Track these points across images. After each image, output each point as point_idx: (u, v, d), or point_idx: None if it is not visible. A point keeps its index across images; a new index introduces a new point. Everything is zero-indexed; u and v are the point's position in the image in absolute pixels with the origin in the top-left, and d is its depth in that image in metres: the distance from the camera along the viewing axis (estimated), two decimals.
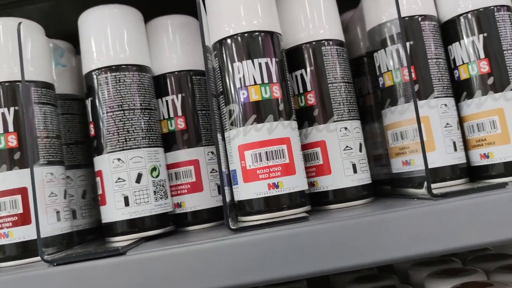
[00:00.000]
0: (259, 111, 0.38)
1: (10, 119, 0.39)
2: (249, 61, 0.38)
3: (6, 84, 0.40)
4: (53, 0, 0.53)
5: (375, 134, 0.49)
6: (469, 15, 0.42)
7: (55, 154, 0.41)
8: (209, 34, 0.40)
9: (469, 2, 0.42)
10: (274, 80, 0.38)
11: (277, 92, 0.38)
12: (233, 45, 0.38)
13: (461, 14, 0.43)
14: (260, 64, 0.38)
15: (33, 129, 0.39)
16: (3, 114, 0.39)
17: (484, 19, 0.42)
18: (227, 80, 0.38)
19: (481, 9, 0.42)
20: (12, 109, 0.39)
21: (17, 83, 0.40)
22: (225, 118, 0.39)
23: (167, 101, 0.45)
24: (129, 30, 0.43)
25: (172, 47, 0.46)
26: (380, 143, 0.47)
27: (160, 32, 0.46)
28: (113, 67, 0.42)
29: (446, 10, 0.44)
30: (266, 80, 0.38)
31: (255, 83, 0.38)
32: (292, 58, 0.43)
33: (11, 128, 0.39)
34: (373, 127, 0.49)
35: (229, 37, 0.39)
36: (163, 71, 0.46)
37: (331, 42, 0.43)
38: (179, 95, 0.45)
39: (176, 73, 0.46)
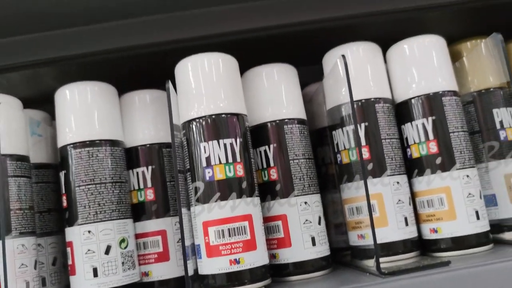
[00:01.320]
0: (223, 189, 0.40)
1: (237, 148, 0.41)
2: (215, 142, 0.41)
3: None
4: (33, 68, 0.56)
5: (336, 203, 0.52)
6: (420, 99, 0.46)
7: (27, 225, 0.43)
8: (178, 111, 0.43)
9: (420, 86, 0.46)
10: (238, 159, 0.41)
11: (240, 171, 0.41)
12: (201, 126, 0.42)
13: (413, 98, 0.46)
14: (225, 144, 0.41)
15: (6, 202, 0.41)
16: None
17: (433, 103, 0.46)
18: (194, 158, 0.41)
19: (430, 94, 0.46)
20: None
21: None
22: (191, 194, 0.41)
23: (137, 173, 0.48)
24: (103, 106, 0.46)
25: (144, 121, 0.49)
26: (340, 211, 0.50)
27: (132, 106, 0.49)
28: (87, 142, 0.44)
29: (399, 92, 0.48)
30: (230, 160, 0.41)
31: (220, 163, 0.41)
32: (257, 135, 0.46)
33: None
34: (335, 196, 0.52)
35: (197, 118, 0.42)
36: (135, 144, 0.48)
37: (293, 121, 0.46)
38: (149, 167, 0.48)
39: (147, 145, 0.48)
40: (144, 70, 0.56)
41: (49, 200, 0.50)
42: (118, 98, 0.49)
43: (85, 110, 0.46)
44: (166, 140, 0.49)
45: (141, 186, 0.47)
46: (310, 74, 0.55)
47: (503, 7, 0.53)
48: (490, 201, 0.49)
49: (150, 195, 0.47)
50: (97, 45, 0.51)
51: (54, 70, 0.54)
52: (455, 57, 0.52)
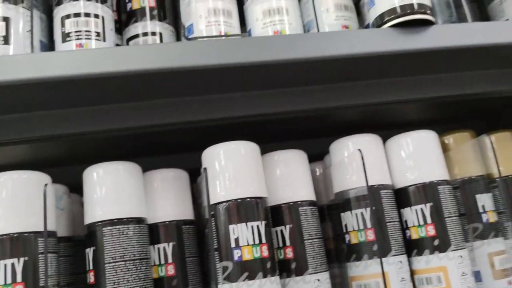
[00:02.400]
0: (251, 269, 0.44)
1: (19, 269, 0.43)
2: (243, 224, 0.45)
3: (15, 235, 0.44)
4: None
5: (336, 277, 0.56)
6: (418, 187, 0.52)
7: None
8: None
9: (418, 175, 0.52)
10: (263, 240, 0.45)
11: (265, 252, 0.45)
12: (230, 208, 0.45)
13: (411, 185, 0.52)
14: (252, 227, 0.45)
15: (38, 280, 0.43)
16: (12, 264, 0.43)
17: (430, 191, 0.52)
18: (222, 239, 0.45)
19: (427, 182, 0.52)
20: (21, 259, 0.43)
21: (26, 234, 0.44)
22: (219, 273, 0.44)
23: (158, 248, 0.50)
24: (130, 185, 0.49)
25: (165, 198, 0.52)
26: (339, 285, 0.54)
27: (154, 184, 0.52)
28: (115, 220, 0.47)
29: (398, 180, 0.54)
30: (257, 241, 0.45)
31: (248, 244, 0.44)
32: (273, 216, 0.50)
33: (19, 279, 0.43)
34: (335, 271, 0.56)
35: (226, 201, 0.46)
36: (156, 220, 0.51)
37: (306, 203, 0.51)
38: (170, 243, 0.51)
39: (167, 222, 0.51)
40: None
41: (67, 274, 0.51)
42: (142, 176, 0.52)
43: (113, 190, 0.48)
44: (185, 217, 0.52)
45: (162, 261, 0.50)
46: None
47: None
48: (476, 277, 0.55)
49: (170, 270, 0.50)
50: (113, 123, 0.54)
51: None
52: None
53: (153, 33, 0.54)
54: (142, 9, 0.56)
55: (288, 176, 0.53)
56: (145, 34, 0.55)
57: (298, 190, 0.52)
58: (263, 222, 0.46)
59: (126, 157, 0.50)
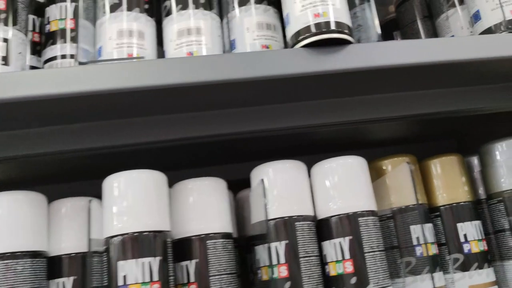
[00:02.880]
0: None
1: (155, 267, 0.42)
2: (133, 261, 0.42)
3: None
4: None
5: None
6: (338, 218, 0.48)
7: None
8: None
9: (338, 206, 0.49)
10: (155, 278, 0.42)
11: None
12: (122, 243, 0.43)
13: (332, 216, 0.49)
14: (143, 264, 0.42)
15: None
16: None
17: (350, 223, 0.48)
18: (112, 276, 0.42)
19: (348, 214, 0.48)
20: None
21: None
22: None
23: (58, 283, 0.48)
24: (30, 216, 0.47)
25: (70, 229, 0.50)
26: None
27: (59, 215, 0.50)
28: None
29: (320, 210, 0.50)
30: (147, 279, 0.42)
31: (137, 282, 0.42)
32: (182, 249, 0.47)
33: None
34: None
35: (117, 235, 0.43)
36: (59, 253, 0.49)
37: (219, 235, 0.48)
38: (72, 277, 0.48)
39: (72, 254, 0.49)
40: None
41: None
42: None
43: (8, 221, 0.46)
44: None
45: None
46: None
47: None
48: None
49: None
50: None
51: None
52: (380, 173, 0.55)
53: (72, 56, 0.52)
54: (62, 31, 0.54)
55: (201, 206, 0.49)
56: (63, 56, 0.53)
57: (210, 221, 0.49)
58: (158, 258, 0.43)
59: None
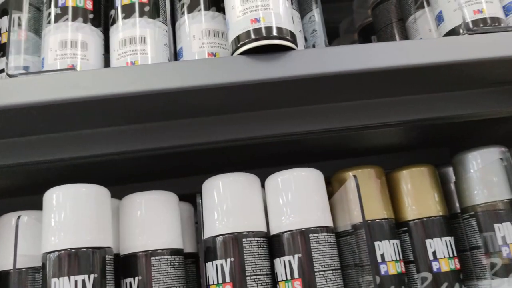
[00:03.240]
0: None
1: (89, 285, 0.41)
2: (65, 278, 0.40)
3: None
4: None
5: None
6: (289, 234, 0.46)
7: None
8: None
9: (290, 221, 0.46)
10: None
11: None
12: (57, 260, 0.41)
13: (284, 232, 0.46)
14: (76, 281, 0.41)
15: None
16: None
17: (300, 240, 0.45)
18: None
19: (300, 229, 0.46)
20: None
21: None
22: None
23: None
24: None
25: None
26: None
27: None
28: None
29: (273, 225, 0.47)
30: None
31: None
32: (128, 265, 0.46)
33: None
34: None
35: (56, 251, 0.41)
36: None
37: (167, 251, 0.46)
38: None
39: None
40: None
41: None
42: None
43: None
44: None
45: None
46: None
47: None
48: None
49: None
50: None
51: None
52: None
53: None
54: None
55: (148, 221, 0.48)
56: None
57: (157, 237, 0.47)
58: (93, 276, 0.42)
59: None
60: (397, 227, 0.53)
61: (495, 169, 0.49)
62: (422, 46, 0.44)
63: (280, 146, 0.56)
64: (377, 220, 0.51)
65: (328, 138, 0.55)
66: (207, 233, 0.47)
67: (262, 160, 0.57)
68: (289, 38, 0.43)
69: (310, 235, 0.46)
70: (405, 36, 0.59)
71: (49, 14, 0.49)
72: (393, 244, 0.51)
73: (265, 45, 0.43)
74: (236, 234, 0.46)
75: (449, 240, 0.51)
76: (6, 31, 0.52)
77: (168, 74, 0.41)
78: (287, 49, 0.44)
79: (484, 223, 0.50)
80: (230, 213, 0.47)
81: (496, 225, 0.49)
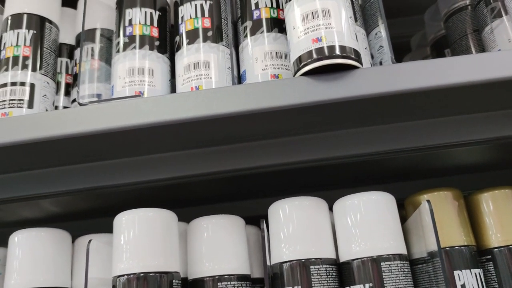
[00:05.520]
0: None
1: None
2: None
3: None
4: None
5: None
6: (360, 262, 0.44)
7: None
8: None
9: (360, 248, 0.44)
10: None
11: None
12: (127, 283, 0.42)
13: (354, 259, 0.44)
14: None
15: None
16: None
17: (372, 268, 0.43)
18: None
19: (371, 257, 0.43)
20: None
21: None
22: None
23: None
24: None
25: None
26: None
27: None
28: None
29: (342, 252, 0.46)
30: None
31: None
32: None
33: None
34: None
35: (126, 275, 0.42)
36: None
37: (234, 277, 0.46)
38: None
39: None
40: None
41: None
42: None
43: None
44: None
45: None
46: None
47: None
48: None
49: None
50: None
51: None
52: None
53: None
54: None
55: (215, 245, 0.48)
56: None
57: (224, 262, 0.47)
58: None
59: None
60: (479, 255, 0.48)
61: None
62: (499, 58, 0.41)
63: (352, 168, 0.54)
64: (456, 247, 0.47)
65: (401, 159, 0.52)
66: (274, 259, 0.46)
67: (332, 182, 0.55)
68: (352, 56, 0.42)
69: (382, 263, 0.43)
70: (481, 48, 0.55)
71: (118, 43, 0.51)
72: (476, 274, 0.46)
73: (330, 65, 0.41)
74: (303, 260, 0.44)
75: None
76: (83, 60, 0.54)
77: (229, 98, 0.41)
78: (351, 68, 0.42)
79: None
80: (297, 238, 0.45)
81: None
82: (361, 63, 0.42)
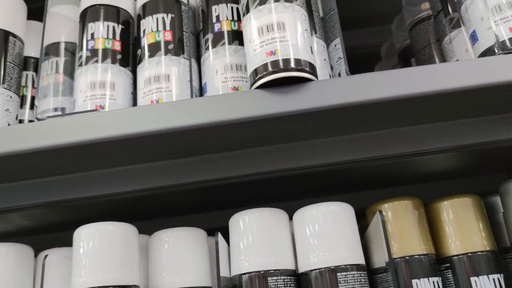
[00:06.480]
0: None
1: None
2: None
3: None
4: None
5: None
6: (317, 272, 0.44)
7: None
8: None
9: (318, 259, 0.44)
10: None
11: None
12: None
13: (312, 270, 0.44)
14: None
15: None
16: None
17: (328, 278, 0.43)
18: None
19: (331, 267, 0.44)
20: None
21: None
22: None
23: None
24: None
25: None
26: None
27: None
28: None
29: (300, 263, 0.46)
30: None
31: None
32: None
33: None
34: None
35: None
36: None
37: None
38: None
39: None
40: None
41: None
42: None
43: None
44: None
45: None
46: None
47: None
48: None
49: None
50: None
51: None
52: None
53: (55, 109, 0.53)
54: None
55: (175, 258, 0.48)
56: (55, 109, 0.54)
57: (185, 274, 0.47)
58: None
59: None
60: (438, 263, 0.49)
61: None
62: (451, 69, 0.41)
63: (315, 178, 0.54)
64: (416, 256, 0.47)
65: (363, 169, 0.53)
66: (234, 271, 0.46)
67: (296, 193, 0.55)
68: (307, 69, 0.42)
69: (339, 274, 0.43)
70: (444, 57, 0.56)
71: (81, 56, 0.51)
72: (434, 282, 0.47)
73: (286, 78, 0.42)
74: (262, 272, 0.45)
75: (498, 278, 0.46)
76: (47, 74, 0.54)
77: (187, 111, 0.42)
78: (306, 80, 0.42)
79: None
80: (256, 250, 0.46)
81: None
82: (316, 76, 0.43)
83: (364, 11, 0.78)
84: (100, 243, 0.45)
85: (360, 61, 0.82)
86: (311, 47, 0.44)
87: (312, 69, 0.43)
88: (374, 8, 0.79)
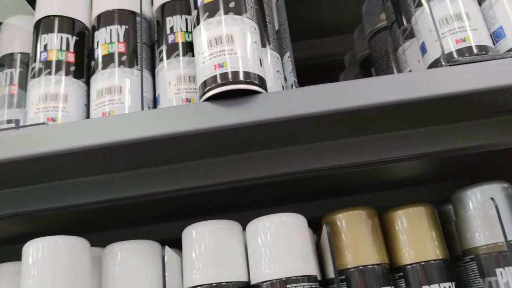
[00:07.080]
0: None
1: None
2: None
3: None
4: None
5: None
6: (270, 284, 0.44)
7: None
8: None
9: (271, 270, 0.44)
10: None
11: None
12: None
13: (264, 282, 0.44)
14: None
15: None
16: None
17: None
18: None
19: (283, 279, 0.43)
20: None
21: None
22: None
23: None
24: None
25: None
26: None
27: None
28: None
29: (253, 274, 0.46)
30: None
31: None
32: None
33: None
34: None
35: None
36: None
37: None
38: None
39: None
40: None
41: None
42: None
43: None
44: None
45: None
46: None
47: None
48: None
49: None
50: None
51: None
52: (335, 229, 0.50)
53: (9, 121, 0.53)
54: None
55: (127, 272, 0.47)
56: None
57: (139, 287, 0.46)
58: None
59: None
60: (392, 272, 0.49)
61: (490, 208, 0.45)
62: (399, 80, 0.42)
63: (271, 188, 0.55)
64: (369, 266, 0.48)
65: (319, 178, 0.53)
66: (186, 283, 0.46)
67: (251, 203, 0.55)
68: (256, 82, 0.42)
69: (289, 285, 0.43)
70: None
71: (33, 68, 0.51)
72: None
73: (235, 90, 0.42)
74: (214, 285, 0.44)
75: (449, 286, 0.47)
76: (1, 85, 0.54)
77: (137, 123, 0.41)
78: (255, 93, 0.43)
79: (486, 267, 0.45)
80: (209, 262, 0.45)
81: (498, 270, 0.44)
82: (265, 88, 0.43)
83: (329, 20, 0.79)
84: (49, 257, 0.44)
85: (327, 70, 0.83)
86: (260, 60, 0.44)
87: (261, 82, 0.43)
88: (340, 16, 0.80)
